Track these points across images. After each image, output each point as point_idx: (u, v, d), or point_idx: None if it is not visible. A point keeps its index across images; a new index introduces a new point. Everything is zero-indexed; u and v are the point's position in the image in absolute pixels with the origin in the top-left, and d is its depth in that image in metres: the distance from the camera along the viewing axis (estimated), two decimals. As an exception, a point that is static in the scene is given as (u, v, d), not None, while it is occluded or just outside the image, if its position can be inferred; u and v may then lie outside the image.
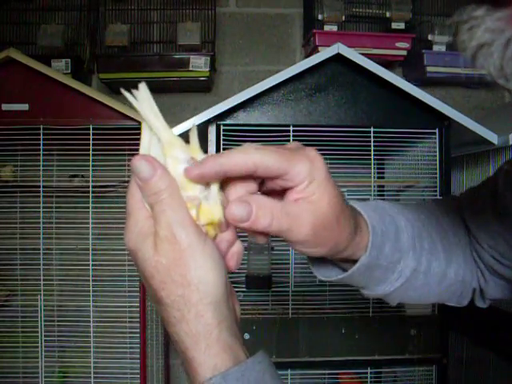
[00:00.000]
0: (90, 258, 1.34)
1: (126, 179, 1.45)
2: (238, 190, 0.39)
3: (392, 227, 0.51)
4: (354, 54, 1.21)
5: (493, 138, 1.25)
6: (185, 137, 0.39)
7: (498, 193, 0.55)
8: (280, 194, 0.41)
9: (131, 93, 0.38)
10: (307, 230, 0.39)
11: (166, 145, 0.37)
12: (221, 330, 0.36)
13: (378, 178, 1.48)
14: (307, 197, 0.39)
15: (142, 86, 0.38)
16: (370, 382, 1.31)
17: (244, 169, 0.37)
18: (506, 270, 0.57)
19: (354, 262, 0.47)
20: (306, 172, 0.38)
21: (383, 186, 1.53)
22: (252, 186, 0.40)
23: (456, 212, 0.60)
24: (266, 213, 0.38)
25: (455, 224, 0.59)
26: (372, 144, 1.25)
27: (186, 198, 0.36)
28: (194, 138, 0.38)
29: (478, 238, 0.58)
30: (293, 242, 0.41)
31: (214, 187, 0.37)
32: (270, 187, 0.41)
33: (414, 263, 0.52)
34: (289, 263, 1.26)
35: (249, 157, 0.37)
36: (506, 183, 0.54)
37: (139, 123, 1.35)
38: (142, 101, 0.37)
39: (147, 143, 0.38)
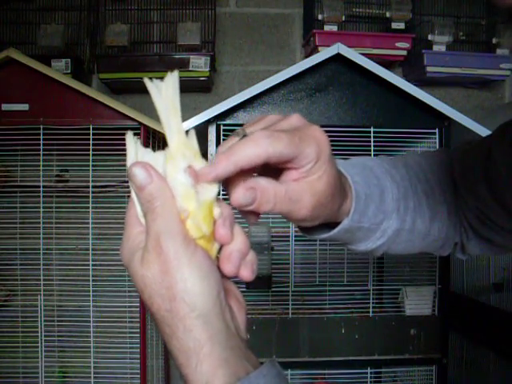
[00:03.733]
0: (90, 257, 1.34)
1: (126, 179, 1.45)
2: (244, 175, 0.38)
3: (377, 189, 0.52)
4: (354, 54, 1.21)
5: (493, 138, 1.25)
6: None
7: (490, 156, 0.55)
8: (275, 170, 0.40)
9: (154, 83, 0.35)
10: (307, 211, 0.40)
11: (171, 150, 0.35)
12: (213, 344, 0.34)
13: (378, 178, 1.48)
14: (308, 176, 0.39)
15: (172, 79, 0.36)
16: (370, 381, 1.31)
17: (258, 162, 0.36)
18: (489, 232, 0.58)
19: (338, 222, 0.49)
20: (314, 155, 0.38)
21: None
22: (256, 168, 0.39)
23: (445, 168, 0.61)
24: (270, 198, 0.38)
25: (443, 181, 0.60)
26: (372, 144, 1.25)
27: (180, 209, 0.35)
28: (193, 142, 0.37)
29: (466, 198, 0.59)
30: (291, 220, 0.42)
31: (209, 198, 0.36)
32: (269, 166, 0.39)
33: (397, 223, 0.54)
34: (289, 263, 1.26)
35: (262, 149, 0.36)
36: (498, 148, 0.54)
37: (139, 123, 1.35)
38: (165, 98, 0.35)
39: (134, 155, 0.37)
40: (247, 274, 0.37)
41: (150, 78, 0.35)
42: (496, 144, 0.54)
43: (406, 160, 0.60)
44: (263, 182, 0.38)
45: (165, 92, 0.35)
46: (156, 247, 0.34)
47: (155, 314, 0.35)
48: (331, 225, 0.50)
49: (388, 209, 0.53)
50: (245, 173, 0.37)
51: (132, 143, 0.37)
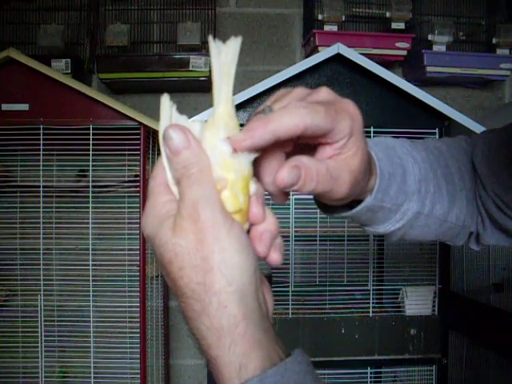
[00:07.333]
0: (90, 258, 1.34)
1: (126, 179, 1.45)
2: (277, 153, 0.36)
3: (399, 169, 0.50)
4: (354, 54, 1.21)
5: (493, 138, 1.25)
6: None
7: None
8: (307, 148, 0.39)
9: (217, 43, 0.33)
10: (345, 189, 0.39)
11: (214, 118, 0.34)
12: (247, 323, 0.31)
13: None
14: (343, 153, 0.38)
15: (234, 44, 0.33)
16: (370, 381, 1.31)
17: (296, 132, 0.34)
18: (507, 221, 0.57)
19: (360, 201, 0.47)
20: (348, 129, 0.37)
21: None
22: (289, 144, 0.37)
23: (465, 155, 0.60)
24: (313, 176, 0.36)
25: (462, 168, 0.59)
26: (372, 144, 1.25)
27: (216, 178, 0.33)
28: (235, 115, 0.35)
29: (486, 185, 0.57)
30: (328, 200, 0.41)
31: (248, 169, 0.34)
32: (301, 143, 0.38)
33: (417, 206, 0.52)
34: (289, 263, 1.26)
35: (300, 120, 0.34)
36: None
37: (139, 123, 1.35)
38: (224, 63, 0.33)
39: (168, 119, 0.35)
40: (276, 256, 0.35)
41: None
42: None
43: (426, 144, 0.59)
44: (305, 160, 0.36)
45: (224, 56, 0.34)
46: (192, 214, 0.31)
47: (183, 288, 0.32)
48: (351, 203, 0.48)
49: (410, 190, 0.51)
50: (277, 152, 0.36)
51: (167, 107, 0.35)
